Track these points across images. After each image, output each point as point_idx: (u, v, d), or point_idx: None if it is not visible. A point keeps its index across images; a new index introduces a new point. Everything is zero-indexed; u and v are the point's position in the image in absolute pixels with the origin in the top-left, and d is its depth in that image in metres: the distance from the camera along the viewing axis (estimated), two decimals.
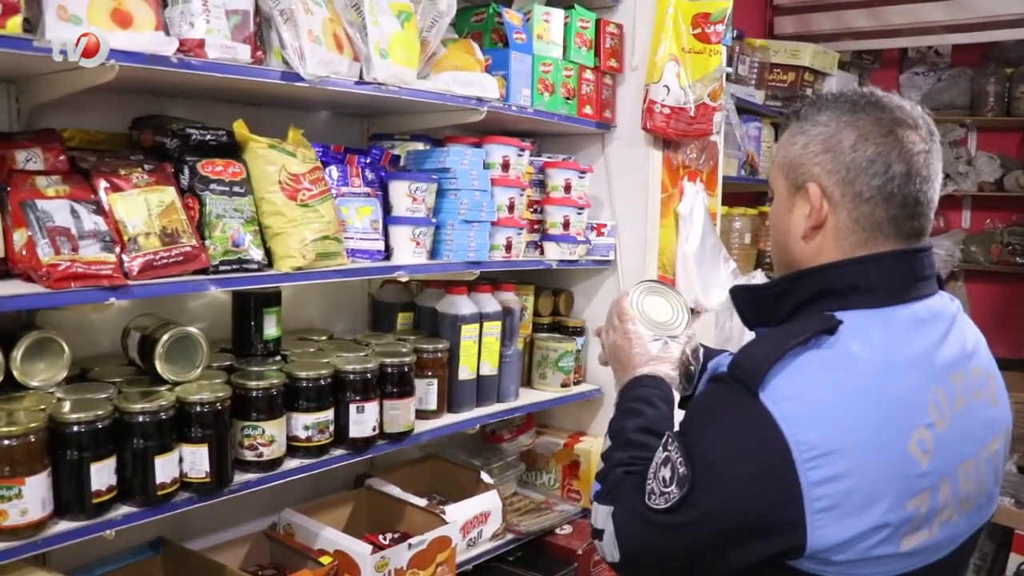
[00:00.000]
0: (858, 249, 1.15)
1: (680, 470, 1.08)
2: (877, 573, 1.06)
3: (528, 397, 2.46)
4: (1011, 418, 1.23)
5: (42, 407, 1.47)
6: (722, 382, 1.12)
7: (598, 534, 1.21)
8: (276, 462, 1.76)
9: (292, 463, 1.81)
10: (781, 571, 1.06)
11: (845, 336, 1.07)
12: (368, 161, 2.04)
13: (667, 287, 1.52)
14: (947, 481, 1.09)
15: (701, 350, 1.49)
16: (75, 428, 1.45)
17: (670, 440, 1.13)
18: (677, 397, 1.41)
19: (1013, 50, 5.02)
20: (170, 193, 1.61)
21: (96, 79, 1.43)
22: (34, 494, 1.39)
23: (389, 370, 1.95)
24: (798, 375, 1.05)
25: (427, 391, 2.12)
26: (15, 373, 1.51)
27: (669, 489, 1.09)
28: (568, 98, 2.40)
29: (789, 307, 1.17)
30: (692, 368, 1.45)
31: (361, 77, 1.82)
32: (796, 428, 1.01)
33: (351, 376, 1.87)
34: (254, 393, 1.72)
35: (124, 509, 1.54)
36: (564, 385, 2.54)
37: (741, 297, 1.25)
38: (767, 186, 1.28)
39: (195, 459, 1.61)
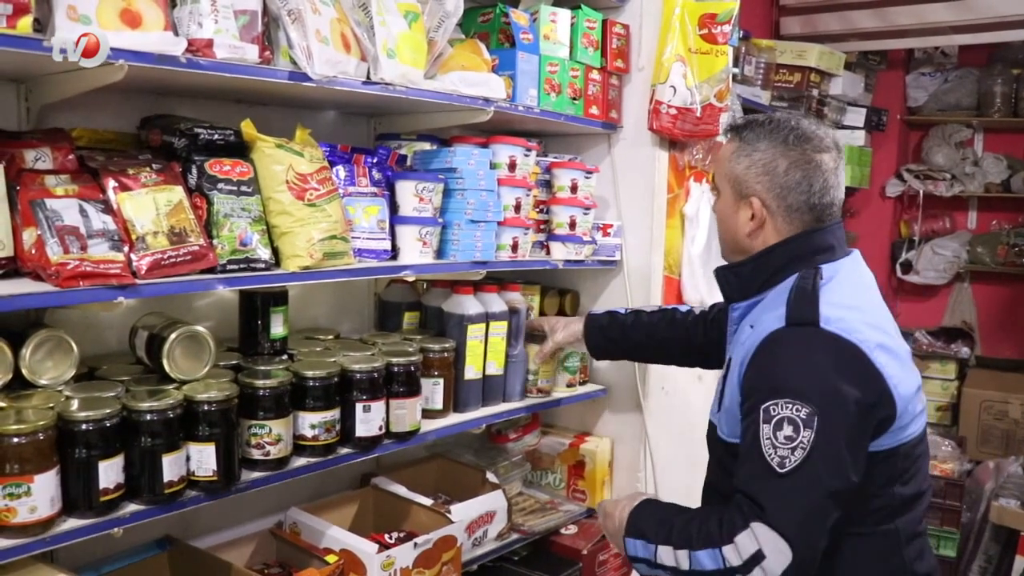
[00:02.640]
0: None
1: (800, 414, 1.35)
2: (908, 435, 1.46)
3: (534, 397, 2.46)
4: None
5: (51, 405, 1.47)
6: (783, 333, 1.45)
7: (745, 568, 1.32)
8: (283, 461, 1.77)
9: (299, 462, 1.82)
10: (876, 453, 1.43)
11: (828, 272, 1.51)
12: (375, 161, 2.05)
13: None
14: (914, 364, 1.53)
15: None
16: (83, 426, 1.45)
17: (770, 407, 1.38)
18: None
19: (1020, 51, 5.00)
20: (178, 192, 1.61)
21: (105, 79, 1.44)
22: (43, 492, 1.40)
23: (395, 369, 1.96)
24: (830, 302, 1.45)
25: (433, 391, 2.12)
26: (24, 371, 1.52)
27: (799, 437, 1.34)
28: (574, 98, 2.40)
29: (766, 275, 1.57)
30: None
31: (368, 77, 1.83)
32: (856, 335, 1.41)
33: (358, 375, 1.87)
34: (261, 392, 1.72)
35: (132, 507, 1.55)
36: (570, 385, 2.54)
37: (724, 275, 1.66)
38: (711, 183, 1.70)
39: (202, 457, 1.62)
